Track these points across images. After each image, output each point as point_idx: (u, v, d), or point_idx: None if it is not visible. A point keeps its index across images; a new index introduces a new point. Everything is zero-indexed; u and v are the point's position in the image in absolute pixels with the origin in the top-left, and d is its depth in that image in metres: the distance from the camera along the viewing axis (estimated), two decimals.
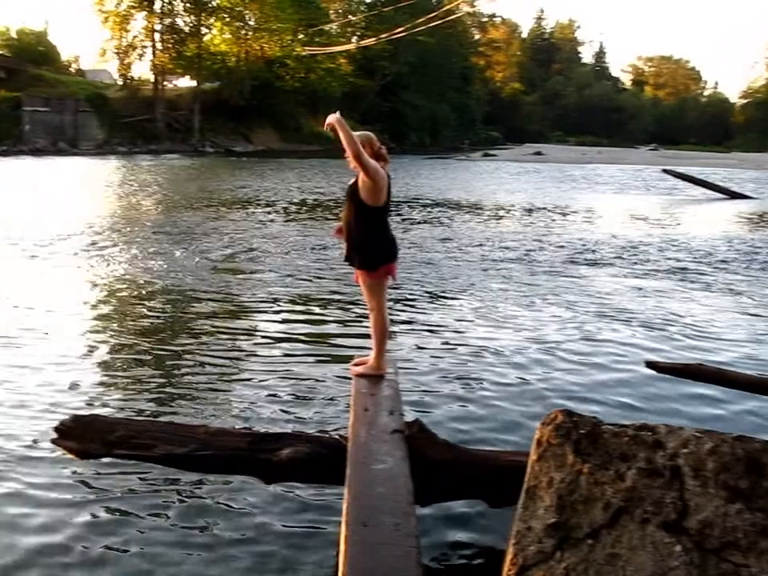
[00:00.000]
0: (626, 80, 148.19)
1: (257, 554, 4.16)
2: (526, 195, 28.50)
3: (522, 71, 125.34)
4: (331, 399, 6.22)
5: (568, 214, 22.39)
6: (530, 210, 23.19)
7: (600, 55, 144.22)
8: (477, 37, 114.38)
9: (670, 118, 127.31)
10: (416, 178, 35.57)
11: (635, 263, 13.77)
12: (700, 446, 2.86)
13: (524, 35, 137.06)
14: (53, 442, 4.41)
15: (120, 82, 70.25)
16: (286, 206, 22.77)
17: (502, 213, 22.70)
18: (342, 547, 3.09)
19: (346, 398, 5.42)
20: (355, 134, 5.05)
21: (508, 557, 2.84)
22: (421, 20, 42.89)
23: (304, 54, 71.07)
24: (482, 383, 6.87)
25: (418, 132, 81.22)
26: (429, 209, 22.75)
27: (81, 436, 4.44)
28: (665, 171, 34.03)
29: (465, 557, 4.24)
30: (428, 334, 8.58)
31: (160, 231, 16.44)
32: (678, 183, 33.72)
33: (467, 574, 4.08)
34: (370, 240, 5.22)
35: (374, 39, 59.35)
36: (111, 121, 62.60)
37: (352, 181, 5.19)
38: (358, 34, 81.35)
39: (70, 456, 4.41)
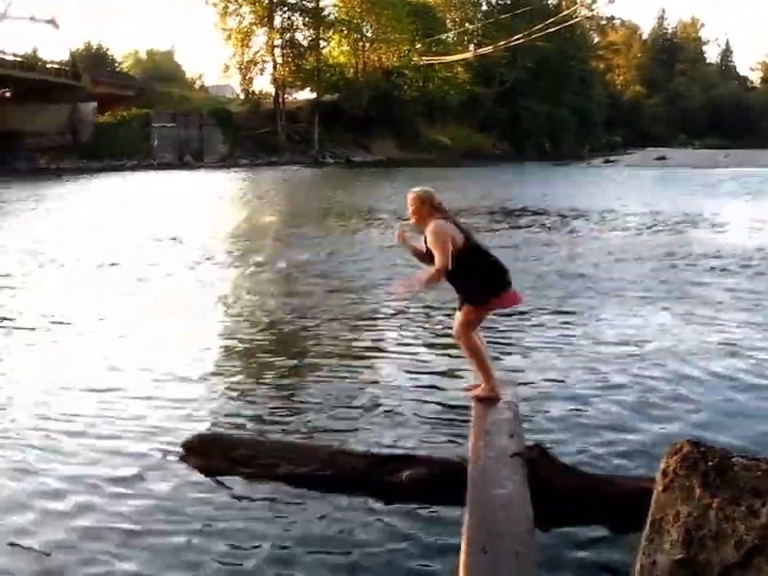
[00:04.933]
0: (755, 78, 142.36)
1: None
2: (652, 203, 27.02)
3: (644, 73, 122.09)
4: (451, 421, 6.19)
5: (699, 223, 21.28)
6: (658, 219, 22.11)
7: (726, 53, 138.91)
8: (596, 40, 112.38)
9: None
10: (536, 186, 35.18)
11: None
12: None
13: (645, 36, 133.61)
14: (179, 458, 4.59)
15: (242, 97, 72.40)
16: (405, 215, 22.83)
17: (629, 222, 21.66)
18: (462, 573, 3.11)
19: (467, 421, 5.40)
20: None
21: None
22: (538, 26, 42.55)
23: (421, 63, 71.58)
24: (606, 403, 6.67)
25: (536, 138, 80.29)
26: (550, 218, 22.45)
27: (205, 453, 4.64)
28: None
29: None
30: (552, 352, 8.35)
31: (284, 243, 16.82)
32: None
33: None
34: (468, 283, 5.32)
35: (491, 47, 59.26)
36: (234, 134, 64.48)
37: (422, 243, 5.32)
38: (475, 41, 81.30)
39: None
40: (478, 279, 5.28)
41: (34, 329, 9.60)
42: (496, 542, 3.37)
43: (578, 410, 6.55)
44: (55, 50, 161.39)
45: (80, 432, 6.10)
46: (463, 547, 3.34)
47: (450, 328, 5.94)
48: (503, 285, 5.36)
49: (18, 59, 61.93)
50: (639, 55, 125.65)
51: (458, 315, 5.38)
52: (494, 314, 10.09)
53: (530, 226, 20.32)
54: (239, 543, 4.43)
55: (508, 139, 77.61)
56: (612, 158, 68.30)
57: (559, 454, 4.48)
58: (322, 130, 67.90)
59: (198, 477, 4.89)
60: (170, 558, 4.33)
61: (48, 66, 64.70)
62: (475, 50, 71.58)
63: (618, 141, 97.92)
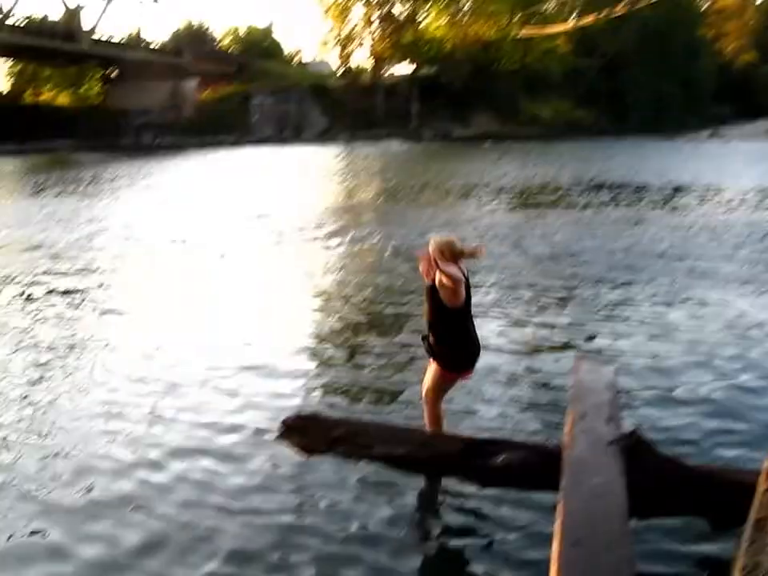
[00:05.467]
0: None
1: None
2: (761, 178, 25.90)
3: (757, 41, 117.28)
4: (547, 404, 6.09)
5: None
6: None
7: None
8: (705, 7, 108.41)
9: None
10: (638, 160, 34.30)
11: None
12: None
13: (759, 0, 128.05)
14: (278, 437, 4.64)
15: (340, 72, 72.64)
16: (512, 192, 22.63)
17: (735, 198, 20.65)
18: (554, 567, 3.05)
19: (564, 405, 5.27)
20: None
21: None
22: None
23: (521, 35, 70.31)
24: (708, 390, 6.43)
25: (640, 111, 78.07)
26: (651, 193, 21.84)
27: (303, 432, 4.67)
28: None
29: None
30: (651, 334, 8.10)
31: (380, 218, 16.85)
32: None
33: None
34: (451, 343, 4.90)
35: (593, 17, 57.75)
36: (332, 109, 64.85)
37: (429, 282, 4.93)
38: (575, 12, 79.41)
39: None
40: (458, 343, 4.98)
41: (130, 304, 9.89)
42: (590, 532, 3.29)
43: (677, 395, 6.36)
44: (158, 30, 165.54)
45: (181, 405, 6.26)
46: (557, 537, 3.27)
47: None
48: (473, 361, 5.03)
49: (123, 40, 63.67)
50: (752, 22, 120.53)
51: (429, 374, 5.02)
52: (590, 290, 9.96)
53: (630, 202, 19.82)
54: (330, 522, 4.47)
55: (611, 113, 75.60)
56: (720, 131, 65.89)
57: (657, 442, 4.34)
58: (420, 104, 67.60)
59: (293, 455, 4.94)
60: (263, 534, 4.40)
61: (151, 45, 66.31)
62: (576, 20, 69.89)
63: (727, 113, 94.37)
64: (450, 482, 4.74)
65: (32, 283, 11.18)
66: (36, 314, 9.44)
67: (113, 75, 66.22)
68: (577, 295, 10.02)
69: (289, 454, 4.93)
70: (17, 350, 7.87)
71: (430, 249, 4.77)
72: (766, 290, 9.98)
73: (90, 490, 4.92)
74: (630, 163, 32.32)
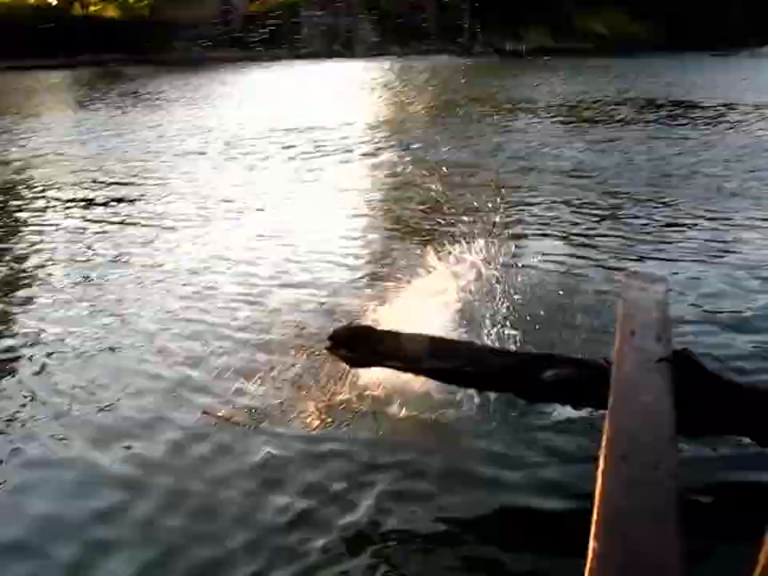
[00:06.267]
0: None
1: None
2: None
3: None
4: (597, 319, 6.05)
5: None
6: None
7: None
8: None
9: None
10: (697, 76, 33.34)
11: None
12: None
13: None
14: (326, 349, 4.66)
15: None
16: (560, 108, 22.26)
17: None
18: (599, 481, 3.05)
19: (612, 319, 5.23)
20: None
21: None
22: None
23: None
24: (760, 313, 6.38)
25: (698, 26, 75.41)
26: (703, 111, 21.27)
27: (352, 345, 4.68)
28: None
29: (726, 502, 4.04)
30: (706, 253, 8.05)
31: (429, 135, 16.69)
32: None
33: (727, 522, 3.88)
34: None
35: None
36: (383, 23, 63.58)
37: None
38: None
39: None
40: None
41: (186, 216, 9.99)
42: (636, 449, 3.28)
43: (733, 314, 6.30)
44: None
45: (230, 319, 6.35)
46: (603, 454, 3.25)
47: None
48: None
49: None
50: None
51: None
52: (635, 209, 9.81)
53: (683, 121, 19.28)
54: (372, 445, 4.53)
55: (669, 27, 73.18)
56: None
57: (707, 360, 4.30)
58: (473, 18, 65.99)
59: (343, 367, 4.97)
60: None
61: None
62: None
63: None
64: (498, 398, 4.75)
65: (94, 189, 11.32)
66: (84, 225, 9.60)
67: None
68: (622, 214, 9.91)
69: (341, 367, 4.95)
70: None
71: None
72: None
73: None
74: (687, 79, 31.44)
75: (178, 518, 3.82)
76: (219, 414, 4.79)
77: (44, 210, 10.77)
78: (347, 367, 4.75)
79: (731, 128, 17.96)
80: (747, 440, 4.16)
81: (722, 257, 7.95)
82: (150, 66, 47.12)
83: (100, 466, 4.29)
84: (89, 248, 8.74)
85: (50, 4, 66.74)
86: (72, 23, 59.95)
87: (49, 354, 5.75)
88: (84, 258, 8.32)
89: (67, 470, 4.28)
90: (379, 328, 4.74)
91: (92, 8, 67.37)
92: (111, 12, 67.08)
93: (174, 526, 3.76)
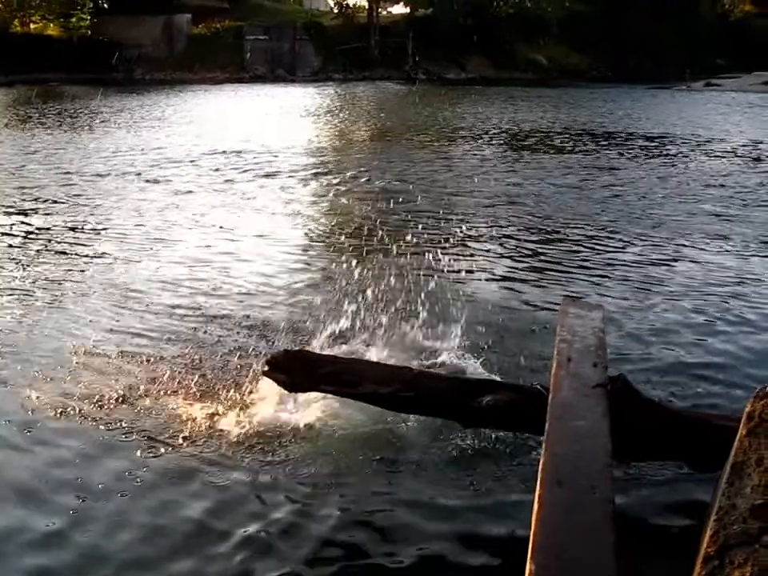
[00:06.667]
0: None
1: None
2: (756, 131, 25.55)
3: None
4: (533, 347, 6.10)
5: None
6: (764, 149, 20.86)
7: None
8: None
9: None
10: (629, 109, 33.95)
11: None
12: None
13: None
14: (264, 374, 4.62)
15: (336, 10, 71.40)
16: (501, 136, 22.53)
17: (728, 150, 20.29)
18: (536, 505, 3.06)
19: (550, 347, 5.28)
20: None
21: (708, 532, 2.70)
22: None
23: None
24: (700, 337, 6.49)
25: (637, 59, 77.20)
26: (641, 142, 21.69)
27: (289, 370, 4.64)
28: None
29: (660, 524, 4.09)
30: (636, 285, 8.16)
31: (371, 158, 16.76)
32: None
33: (661, 542, 3.94)
34: None
35: None
36: (327, 48, 63.90)
37: None
38: None
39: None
40: None
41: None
42: (572, 476, 3.30)
43: (662, 343, 6.40)
44: None
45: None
46: (539, 480, 3.28)
47: None
48: None
49: None
50: None
51: None
52: (575, 241, 9.96)
53: (618, 151, 19.63)
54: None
55: (607, 60, 74.84)
56: (715, 82, 65.17)
57: (642, 386, 4.36)
58: (416, 45, 66.67)
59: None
60: None
61: None
62: None
63: (722, 64, 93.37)
64: (435, 423, 4.75)
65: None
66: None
67: (104, 6, 64.93)
68: (555, 241, 10.09)
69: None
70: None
71: None
72: (761, 245, 9.97)
73: None
74: (619, 111, 32.10)
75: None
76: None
77: None
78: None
79: (663, 157, 18.42)
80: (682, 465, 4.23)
81: (657, 284, 8.09)
82: (90, 86, 46.52)
83: None
84: None
85: None
86: (10, 41, 58.97)
87: None
88: None
89: None
90: (317, 352, 4.72)
91: (32, 26, 66.40)
92: (52, 30, 66.17)
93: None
